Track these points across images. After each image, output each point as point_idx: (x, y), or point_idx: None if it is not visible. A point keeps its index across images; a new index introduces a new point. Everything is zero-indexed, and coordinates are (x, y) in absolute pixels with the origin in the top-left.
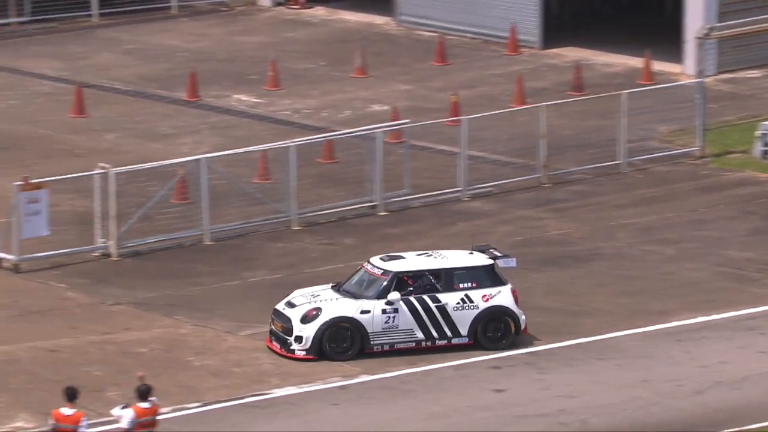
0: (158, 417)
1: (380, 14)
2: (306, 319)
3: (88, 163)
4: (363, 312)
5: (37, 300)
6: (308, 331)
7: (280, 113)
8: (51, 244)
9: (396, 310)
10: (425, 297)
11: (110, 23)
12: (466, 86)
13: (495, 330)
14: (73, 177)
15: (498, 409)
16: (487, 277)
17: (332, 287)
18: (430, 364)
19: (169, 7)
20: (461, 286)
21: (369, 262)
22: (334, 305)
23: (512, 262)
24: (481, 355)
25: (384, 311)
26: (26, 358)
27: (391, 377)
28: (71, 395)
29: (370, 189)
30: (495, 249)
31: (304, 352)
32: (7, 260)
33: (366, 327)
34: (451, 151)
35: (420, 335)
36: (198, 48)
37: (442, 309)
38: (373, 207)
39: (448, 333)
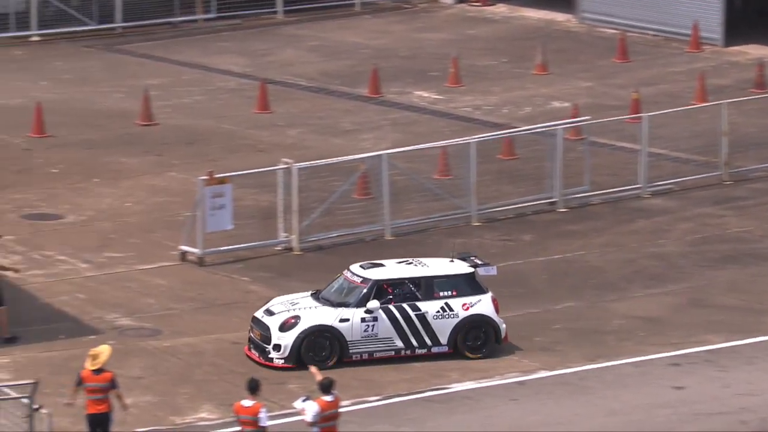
0: (340, 410)
1: (562, 11)
2: (284, 327)
3: (271, 158)
4: (342, 320)
5: (221, 293)
6: (286, 339)
7: (461, 110)
8: (234, 238)
9: (375, 319)
10: (405, 305)
11: (294, 20)
12: (647, 83)
13: (475, 339)
14: (257, 172)
15: (677, 406)
16: (468, 285)
17: (311, 295)
18: (609, 360)
19: (352, 5)
20: (441, 294)
21: (349, 269)
22: (312, 313)
23: (492, 270)
24: (660, 351)
25: (363, 320)
26: (210, 350)
27: (569, 373)
28: (253, 387)
29: (550, 185)
30: (476, 257)
31: (282, 361)
32: (192, 254)
33: (345, 336)
34: (631, 148)
35: (399, 344)
36: (380, 45)
37: (422, 317)
38: (553, 203)
39: (428, 342)
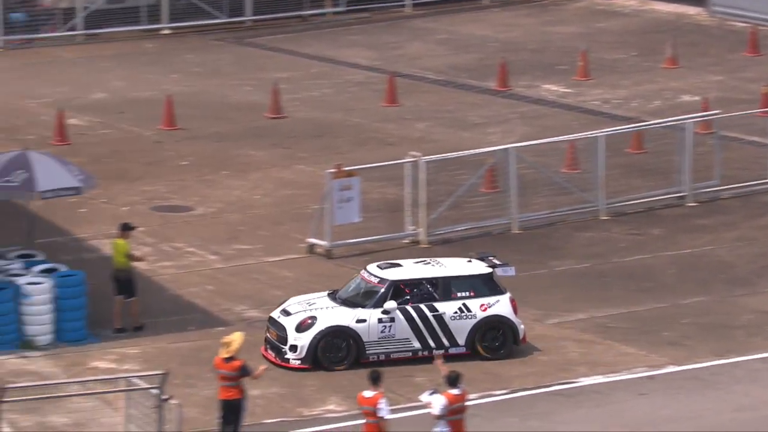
0: (467, 403)
1: (692, 5)
2: (301, 327)
3: (399, 151)
4: (359, 321)
5: None
6: (303, 340)
7: (590, 103)
8: (362, 230)
9: (392, 320)
10: (422, 306)
11: (422, 13)
12: None
13: (493, 340)
14: (385, 165)
15: None
16: (486, 285)
17: (328, 295)
18: (739, 356)
19: None
20: (459, 294)
21: (366, 269)
22: (329, 314)
23: (511, 271)
24: None
25: (380, 320)
26: None
27: (699, 368)
28: (374, 378)
29: (679, 179)
30: (494, 257)
31: (299, 362)
32: (320, 246)
33: (362, 336)
34: (761, 142)
35: (417, 345)
36: (508, 38)
37: (440, 318)
38: (682, 197)
39: (446, 342)
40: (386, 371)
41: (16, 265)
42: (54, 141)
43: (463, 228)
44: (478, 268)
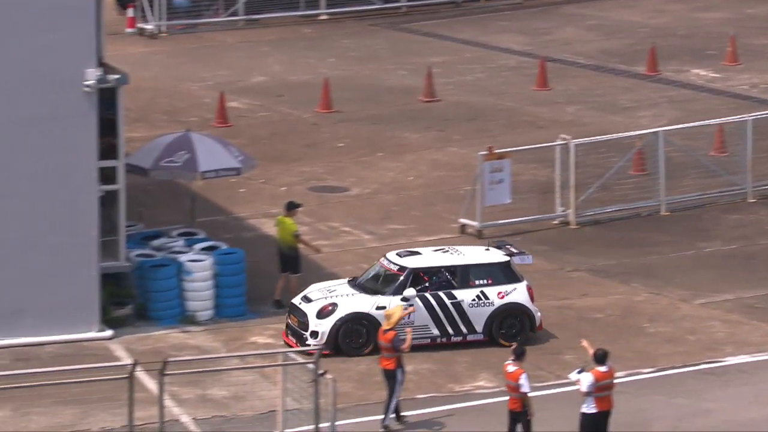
0: (614, 381)
1: None
2: (322, 314)
3: (549, 134)
4: (379, 308)
5: None
6: (324, 326)
7: (738, 88)
8: (512, 211)
9: (411, 306)
10: (441, 293)
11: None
12: None
13: (510, 327)
14: (535, 148)
15: None
16: (503, 274)
17: (348, 282)
18: None
19: None
20: (477, 282)
21: (385, 257)
22: (349, 301)
23: (528, 259)
24: None
25: None
26: None
27: None
28: (519, 353)
29: None
30: (511, 246)
31: (319, 348)
32: (471, 226)
33: (381, 323)
34: None
35: (435, 331)
36: (658, 23)
37: (458, 305)
38: None
39: (464, 329)
40: (535, 349)
41: (179, 243)
42: (215, 123)
43: (611, 210)
44: (496, 256)
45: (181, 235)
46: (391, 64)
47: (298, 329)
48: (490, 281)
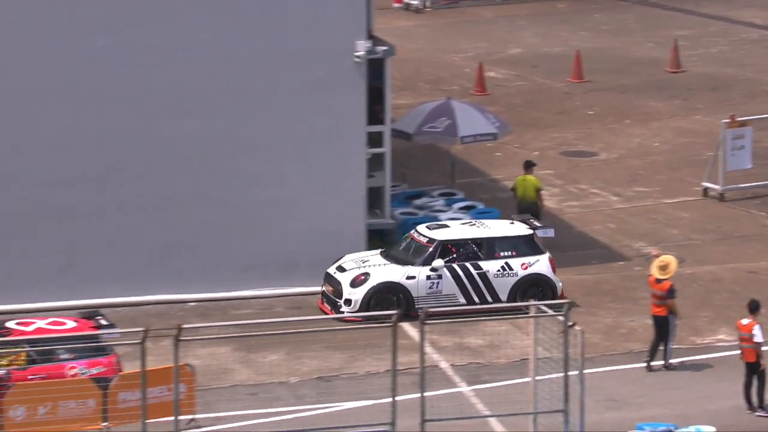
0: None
1: None
2: (355, 283)
3: None
4: (409, 277)
5: (739, 226)
6: (357, 294)
7: None
8: (752, 176)
9: (440, 276)
10: (468, 264)
11: None
12: None
13: (533, 296)
14: None
15: None
16: (527, 246)
17: (381, 253)
18: None
19: None
20: (502, 254)
21: (416, 230)
22: (381, 270)
23: (550, 232)
24: None
25: (428, 277)
26: (728, 278)
27: None
28: (753, 308)
29: None
30: (534, 219)
31: (352, 315)
32: (714, 190)
33: (411, 292)
34: None
35: (462, 300)
36: None
37: (484, 276)
38: None
39: (489, 298)
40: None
41: (439, 203)
42: (474, 91)
43: None
44: (520, 229)
45: (441, 195)
46: (640, 37)
47: (332, 297)
48: (514, 253)
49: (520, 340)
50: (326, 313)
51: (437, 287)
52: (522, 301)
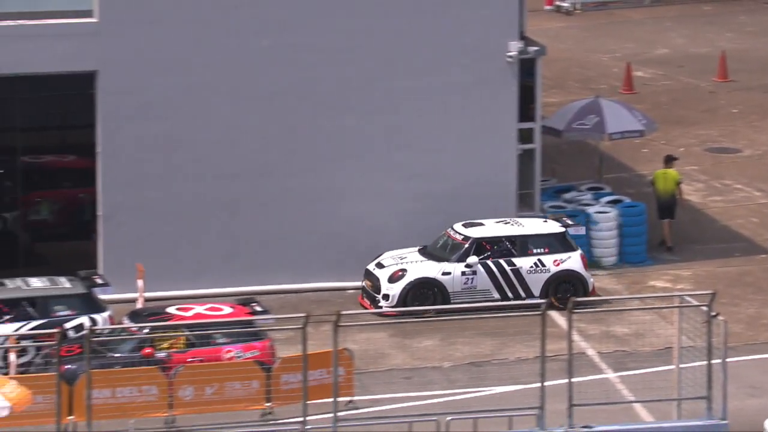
0: None
1: None
2: (393, 279)
3: None
4: (444, 273)
5: None
6: (395, 289)
7: None
8: None
9: (474, 273)
10: (501, 261)
11: None
12: None
13: (565, 292)
14: None
15: None
16: (559, 243)
17: (418, 250)
18: None
19: None
20: (535, 251)
21: (452, 228)
22: (418, 267)
23: (582, 230)
24: None
25: (463, 273)
26: None
27: None
28: None
29: None
30: (567, 218)
31: (390, 309)
32: None
33: (447, 287)
34: None
35: (496, 295)
36: None
37: (517, 272)
38: None
39: (522, 294)
40: None
41: (587, 197)
42: (622, 90)
43: None
44: (553, 227)
45: (589, 189)
46: None
47: (371, 292)
48: (546, 250)
49: (665, 329)
50: (365, 308)
51: (472, 283)
52: (554, 296)
